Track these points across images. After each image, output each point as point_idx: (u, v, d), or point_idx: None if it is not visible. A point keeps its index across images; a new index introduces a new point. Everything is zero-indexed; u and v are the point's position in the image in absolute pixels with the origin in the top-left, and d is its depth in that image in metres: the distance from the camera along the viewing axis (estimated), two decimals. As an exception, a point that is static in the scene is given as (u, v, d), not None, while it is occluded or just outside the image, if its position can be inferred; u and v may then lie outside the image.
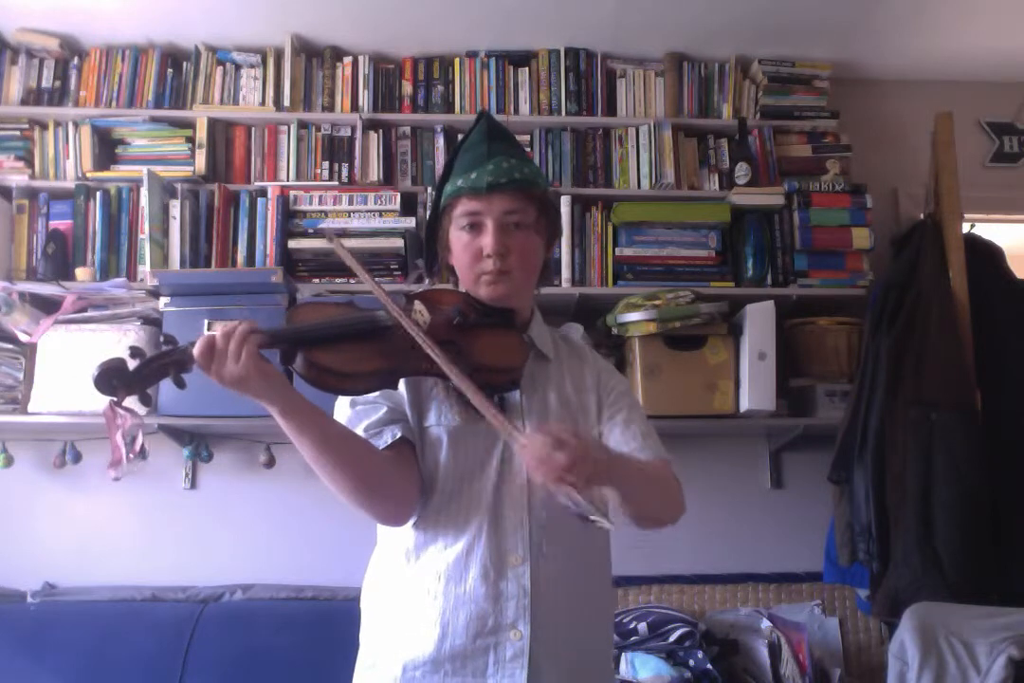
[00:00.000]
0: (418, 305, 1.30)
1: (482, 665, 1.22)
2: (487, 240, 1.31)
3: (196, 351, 1.11)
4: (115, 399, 1.12)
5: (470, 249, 1.33)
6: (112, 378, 1.11)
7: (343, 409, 1.32)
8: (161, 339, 1.16)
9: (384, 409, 1.29)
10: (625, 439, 1.36)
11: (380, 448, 1.25)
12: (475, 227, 1.33)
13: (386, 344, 1.22)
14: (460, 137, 1.48)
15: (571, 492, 1.02)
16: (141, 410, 1.24)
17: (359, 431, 1.27)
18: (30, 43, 2.79)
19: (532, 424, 1.31)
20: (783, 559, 2.74)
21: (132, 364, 1.12)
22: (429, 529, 1.28)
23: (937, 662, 1.93)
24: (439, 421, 1.29)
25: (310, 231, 2.64)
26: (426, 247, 1.47)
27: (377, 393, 1.29)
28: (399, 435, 1.27)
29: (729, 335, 2.58)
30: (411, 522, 1.29)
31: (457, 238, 1.35)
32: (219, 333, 1.11)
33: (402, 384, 1.31)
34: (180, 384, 1.15)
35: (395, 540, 1.32)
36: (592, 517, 1.03)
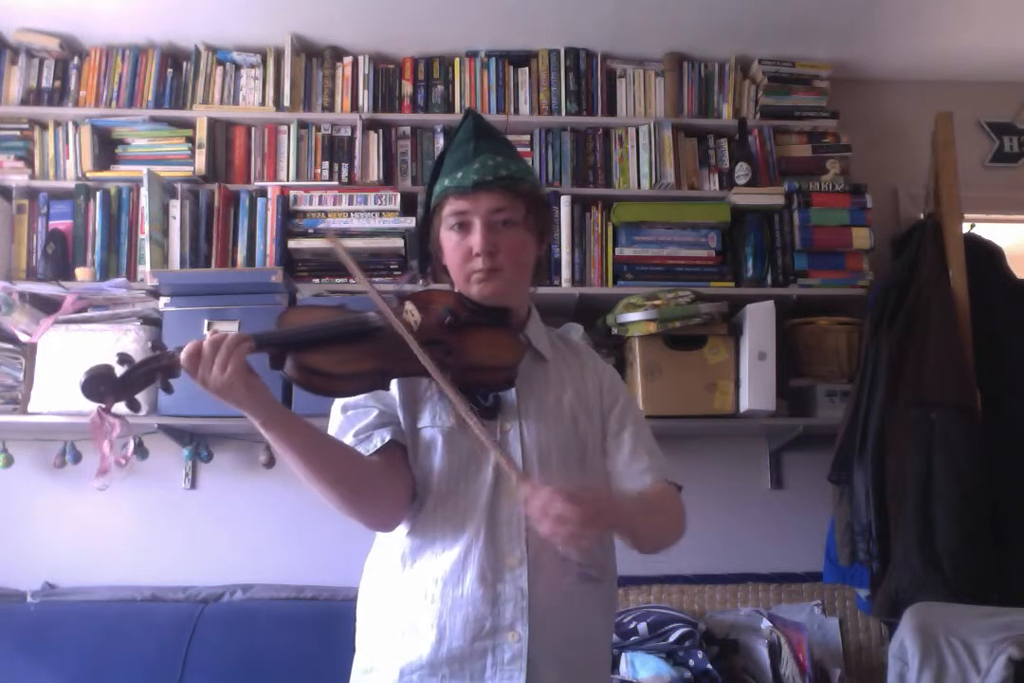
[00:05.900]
0: (409, 306, 1.30)
1: (480, 668, 1.21)
2: (475, 239, 1.31)
3: (183, 355, 1.10)
4: (103, 406, 1.11)
5: (459, 249, 1.33)
6: (100, 384, 1.09)
7: (335, 417, 1.32)
8: (149, 345, 1.16)
9: (375, 413, 1.28)
10: (631, 459, 1.36)
11: (369, 453, 1.25)
12: (463, 226, 1.32)
13: (377, 345, 1.21)
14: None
15: (576, 550, 1.03)
16: (131, 416, 1.23)
17: (349, 437, 1.27)
18: (30, 43, 2.79)
19: (529, 426, 1.31)
20: (783, 559, 2.73)
21: (120, 370, 1.11)
22: (427, 532, 1.27)
23: (937, 662, 1.93)
24: (433, 422, 1.28)
25: (310, 231, 2.64)
26: (419, 248, 1.46)
27: (368, 396, 1.28)
28: (388, 439, 1.26)
29: (729, 335, 2.58)
30: (406, 526, 1.29)
31: (447, 238, 1.35)
32: (208, 339, 1.10)
33: (394, 385, 1.30)
34: (168, 389, 1.14)
35: (391, 544, 1.31)
36: (591, 573, 1.04)
